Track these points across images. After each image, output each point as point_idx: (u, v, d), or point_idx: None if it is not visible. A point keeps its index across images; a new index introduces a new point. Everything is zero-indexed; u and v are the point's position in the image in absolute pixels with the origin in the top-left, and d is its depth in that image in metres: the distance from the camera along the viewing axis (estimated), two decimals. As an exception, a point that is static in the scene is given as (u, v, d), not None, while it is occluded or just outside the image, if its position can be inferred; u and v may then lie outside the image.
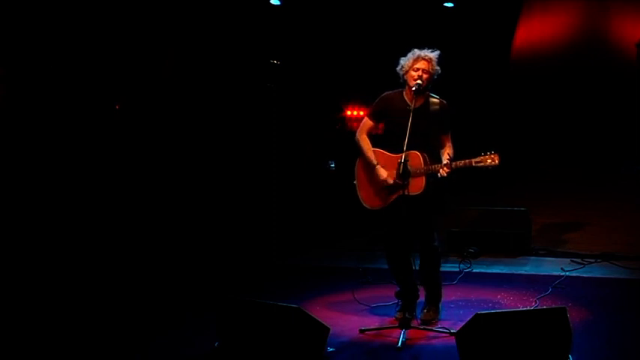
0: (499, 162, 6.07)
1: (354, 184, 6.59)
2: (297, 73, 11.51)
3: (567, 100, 12.05)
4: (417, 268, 6.59)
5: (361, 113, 12.04)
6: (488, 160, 6.10)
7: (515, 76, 12.32)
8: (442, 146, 6.41)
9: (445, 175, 6.18)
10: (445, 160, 6.23)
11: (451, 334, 6.07)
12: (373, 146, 6.54)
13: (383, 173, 6.40)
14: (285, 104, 11.22)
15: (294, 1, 11.49)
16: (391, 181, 6.34)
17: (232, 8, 10.79)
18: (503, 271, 8.27)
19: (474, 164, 6.15)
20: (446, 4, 11.90)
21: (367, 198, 6.54)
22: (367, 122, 6.60)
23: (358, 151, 6.58)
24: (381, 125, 6.58)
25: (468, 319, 5.65)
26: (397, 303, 6.65)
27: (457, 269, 8.10)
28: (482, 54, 11.71)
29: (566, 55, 12.27)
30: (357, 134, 6.60)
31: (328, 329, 5.78)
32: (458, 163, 6.20)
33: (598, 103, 11.93)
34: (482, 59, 11.73)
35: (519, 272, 8.23)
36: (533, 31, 12.48)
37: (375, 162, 6.47)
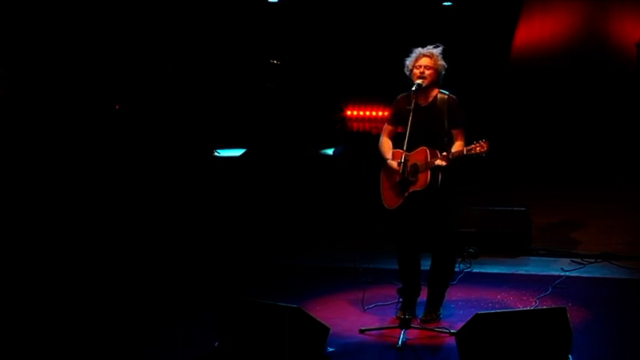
0: (488, 148, 6.18)
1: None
2: (297, 73, 11.51)
3: (567, 100, 12.05)
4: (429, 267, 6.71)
5: (361, 113, 12.05)
6: (478, 148, 6.22)
7: (515, 76, 12.31)
8: (454, 141, 6.45)
9: (441, 164, 6.28)
10: (443, 152, 6.33)
11: (451, 334, 6.07)
12: (395, 146, 6.64)
13: (393, 164, 6.50)
14: (285, 104, 11.22)
15: (293, 1, 11.49)
16: (399, 168, 6.39)
17: (232, 8, 10.79)
18: (503, 271, 8.25)
19: (465, 152, 6.28)
20: (445, 3, 11.90)
21: (386, 198, 6.66)
22: (386, 127, 6.77)
23: (378, 152, 6.72)
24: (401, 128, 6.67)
25: (468, 319, 5.66)
26: (398, 301, 6.67)
27: (457, 269, 8.08)
28: (482, 53, 11.71)
29: (566, 55, 12.26)
30: (379, 139, 6.76)
31: (328, 329, 5.78)
32: (452, 153, 6.31)
33: (598, 103, 11.92)
34: (483, 59, 11.73)
35: (519, 272, 8.22)
36: (533, 31, 12.47)
37: (387, 156, 6.59)
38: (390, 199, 6.61)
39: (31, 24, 8.96)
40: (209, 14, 10.59)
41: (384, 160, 6.62)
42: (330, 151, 11.53)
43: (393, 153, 6.60)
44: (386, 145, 6.68)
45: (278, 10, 11.45)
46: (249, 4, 11.15)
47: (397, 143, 6.65)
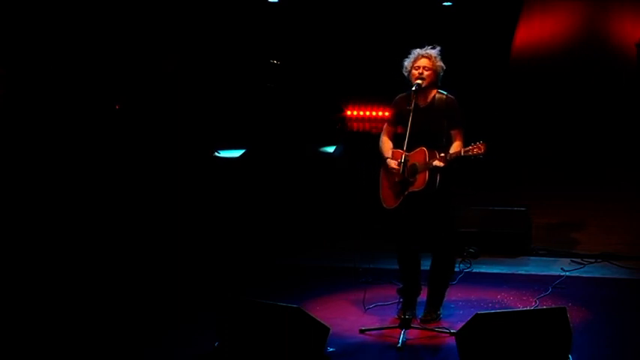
0: (485, 150, 6.20)
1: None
2: (297, 73, 11.50)
3: (567, 100, 12.04)
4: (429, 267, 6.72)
5: (361, 113, 12.04)
6: (475, 150, 6.24)
7: (515, 76, 12.30)
8: (452, 142, 6.46)
9: (439, 165, 6.28)
10: (441, 153, 6.34)
11: (451, 334, 6.07)
12: (395, 147, 6.64)
13: (392, 163, 6.52)
14: (285, 104, 11.21)
15: (293, 1, 11.48)
16: (396, 166, 6.40)
17: (232, 8, 10.78)
18: (503, 271, 8.26)
19: (462, 154, 6.30)
20: (445, 3, 11.90)
21: (384, 198, 6.67)
22: (386, 127, 6.79)
23: (377, 152, 6.73)
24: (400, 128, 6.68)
25: (468, 319, 5.66)
26: (398, 301, 6.67)
27: (457, 269, 8.09)
28: (482, 53, 11.70)
29: (566, 55, 12.25)
30: (379, 138, 6.77)
31: (328, 329, 5.78)
32: (450, 155, 6.31)
33: (598, 103, 11.92)
34: (483, 59, 11.72)
35: (519, 272, 8.22)
36: (533, 31, 12.46)
37: (386, 155, 6.60)
38: (388, 199, 6.62)
39: (31, 24, 8.95)
40: (209, 14, 10.58)
41: (383, 159, 6.63)
42: (329, 149, 11.54)
43: (392, 153, 6.61)
44: (386, 144, 6.69)
45: (278, 10, 11.44)
46: (249, 4, 11.13)
47: (397, 143, 6.66)
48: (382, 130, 6.80)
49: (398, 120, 6.62)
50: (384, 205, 6.66)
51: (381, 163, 6.71)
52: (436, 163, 6.32)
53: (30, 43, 8.92)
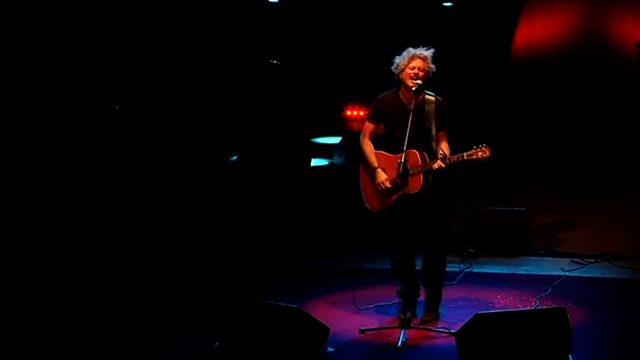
0: (490, 154, 6.12)
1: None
2: (297, 73, 11.51)
3: (567, 100, 12.05)
4: (420, 267, 6.67)
5: (361, 113, 12.05)
6: (479, 153, 6.14)
7: (515, 76, 12.31)
8: (439, 143, 6.42)
9: (441, 166, 6.21)
10: (439, 155, 6.27)
11: (451, 334, 6.07)
12: (375, 148, 6.57)
13: (381, 176, 6.42)
14: (285, 104, 11.22)
15: (293, 1, 11.49)
16: (388, 185, 6.36)
17: (232, 8, 10.79)
18: (503, 271, 8.26)
19: (465, 157, 6.21)
20: (445, 4, 11.91)
21: (370, 200, 6.59)
22: (368, 125, 6.65)
23: (361, 155, 6.62)
24: (382, 126, 6.61)
25: (468, 319, 5.66)
26: (398, 302, 6.67)
27: (457, 269, 8.10)
28: (482, 54, 11.71)
29: (566, 55, 12.26)
30: (360, 138, 6.66)
31: (328, 329, 5.78)
32: (451, 157, 6.25)
33: (598, 103, 11.93)
34: (482, 59, 11.73)
35: (519, 272, 8.22)
36: (533, 31, 12.47)
37: (375, 165, 6.50)
38: (374, 201, 6.54)
39: (31, 24, 8.96)
40: (209, 14, 10.59)
41: (373, 168, 6.51)
42: (329, 140, 11.55)
43: (377, 156, 6.53)
44: (369, 147, 6.57)
45: (278, 10, 11.45)
46: (249, 4, 11.14)
47: (377, 144, 6.60)
48: (364, 129, 6.66)
49: (381, 118, 6.56)
50: (369, 207, 6.56)
51: (361, 163, 6.62)
52: (437, 165, 6.26)
53: (30, 43, 8.93)
